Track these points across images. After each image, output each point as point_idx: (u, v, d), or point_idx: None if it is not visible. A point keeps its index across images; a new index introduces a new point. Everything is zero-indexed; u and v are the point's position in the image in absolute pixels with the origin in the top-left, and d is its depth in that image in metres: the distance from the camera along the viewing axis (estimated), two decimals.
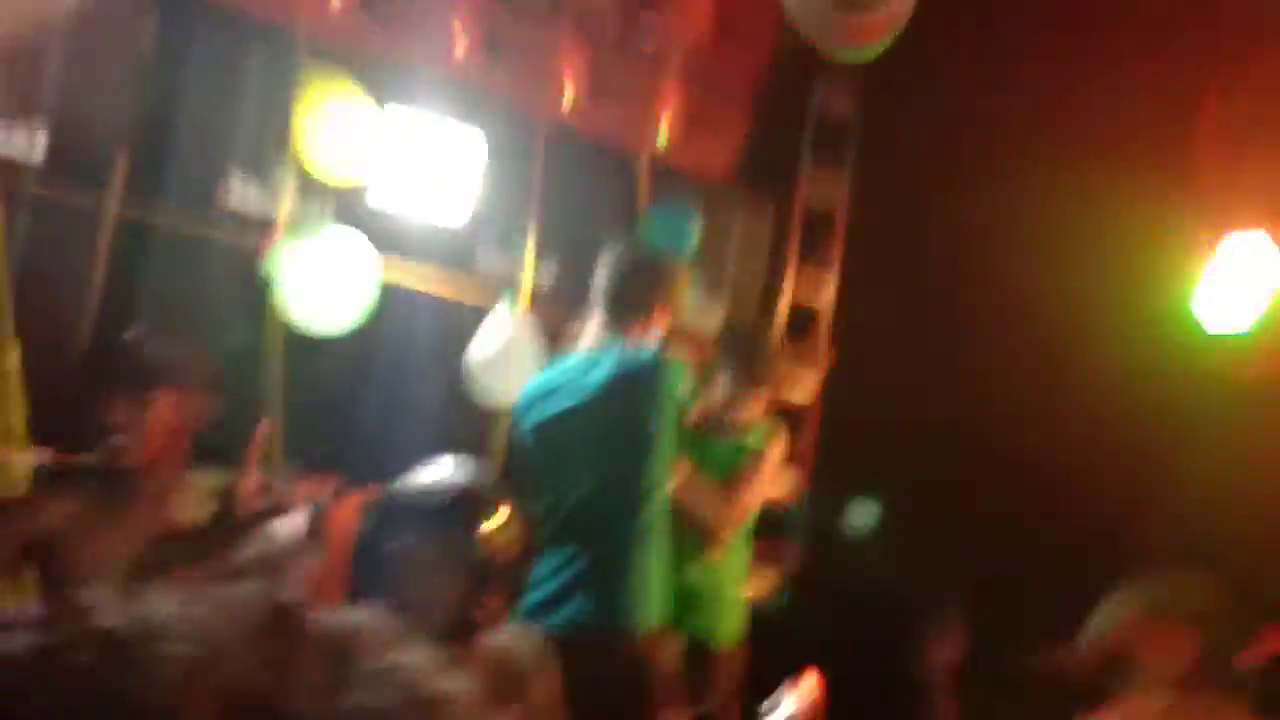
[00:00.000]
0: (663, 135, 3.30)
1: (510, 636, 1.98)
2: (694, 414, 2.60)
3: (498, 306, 2.89)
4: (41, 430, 2.54)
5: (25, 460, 2.52)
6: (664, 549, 2.29)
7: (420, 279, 2.96)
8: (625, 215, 3.19)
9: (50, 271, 2.61)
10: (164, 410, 2.18)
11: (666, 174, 3.29)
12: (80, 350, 2.62)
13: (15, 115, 2.54)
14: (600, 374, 2.29)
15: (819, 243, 3.65)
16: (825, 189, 3.68)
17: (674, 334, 2.49)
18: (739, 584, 2.71)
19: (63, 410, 2.61)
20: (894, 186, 3.47)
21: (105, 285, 2.67)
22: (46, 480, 2.60)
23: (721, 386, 2.69)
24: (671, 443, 2.26)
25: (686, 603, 2.56)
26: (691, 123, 3.35)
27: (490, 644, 1.92)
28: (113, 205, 2.66)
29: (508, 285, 3.02)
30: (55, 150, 2.58)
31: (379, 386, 2.96)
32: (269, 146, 2.78)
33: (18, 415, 2.53)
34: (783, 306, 3.62)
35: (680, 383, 2.28)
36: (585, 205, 3.21)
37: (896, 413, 3.24)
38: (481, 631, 1.94)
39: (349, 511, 2.87)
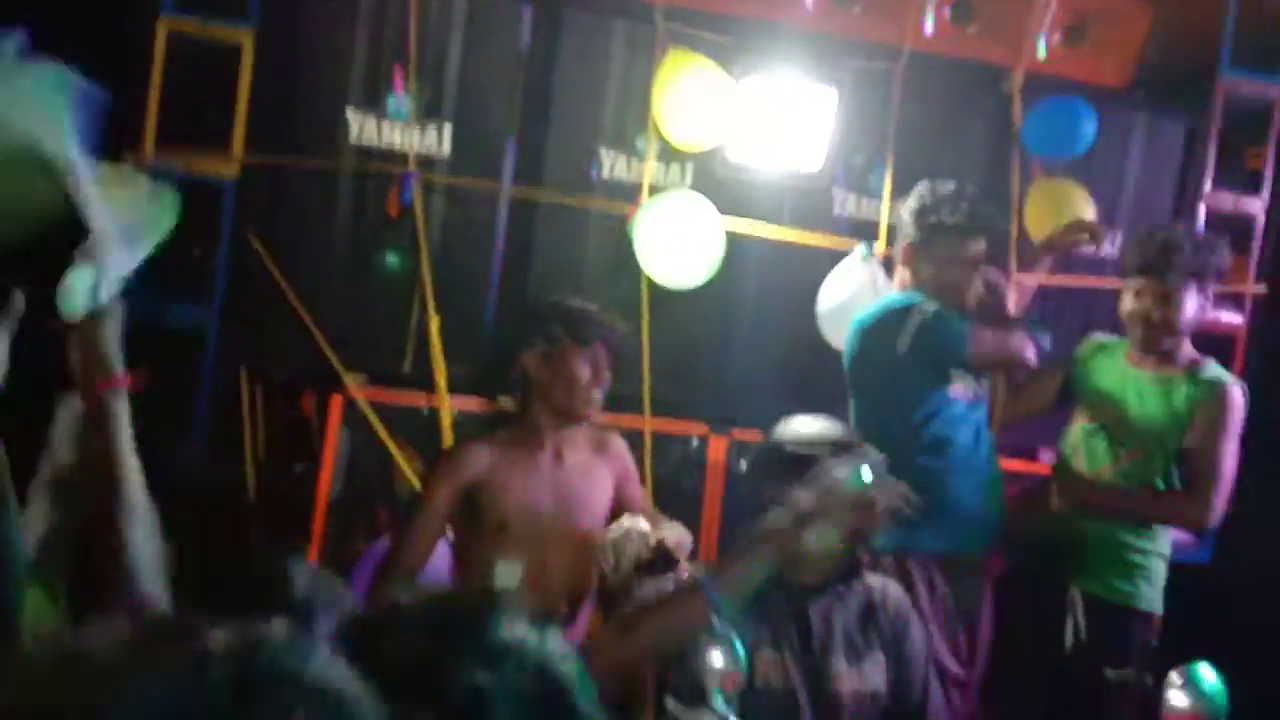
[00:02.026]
0: (1041, 43, 3.04)
1: (880, 579, 2.11)
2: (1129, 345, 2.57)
3: (853, 252, 3.00)
4: (460, 387, 2.92)
5: (450, 413, 2.90)
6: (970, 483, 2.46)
7: (776, 232, 3.10)
8: (995, 144, 3.09)
9: (460, 249, 2.97)
10: (572, 364, 2.26)
11: (1046, 89, 3.08)
12: (489, 314, 2.97)
13: (426, 118, 2.90)
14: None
15: (1242, 159, 3.21)
16: (1253, 93, 3.11)
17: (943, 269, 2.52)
18: (1150, 535, 2.52)
19: (478, 368, 2.98)
20: None
21: (505, 256, 3.01)
22: (471, 429, 2.98)
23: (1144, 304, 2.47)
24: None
25: (1085, 552, 2.52)
26: (1077, 23, 3.09)
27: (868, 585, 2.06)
28: (506, 187, 2.99)
29: (865, 228, 3.11)
30: (458, 144, 2.93)
31: (741, 334, 3.15)
32: (633, 121, 3.02)
33: (440, 375, 2.91)
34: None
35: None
36: (949, 137, 3.14)
37: None
38: (861, 571, 2.06)
39: (720, 453, 3.12)
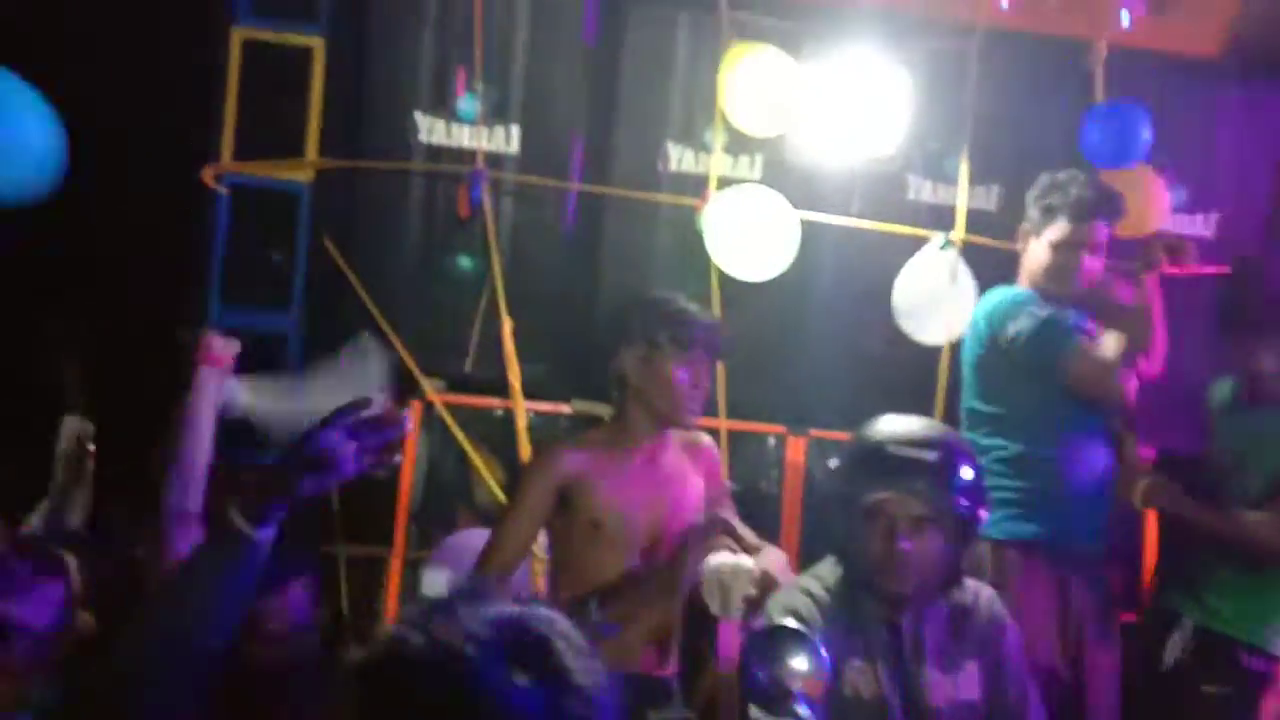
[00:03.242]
0: (1125, 13, 2.93)
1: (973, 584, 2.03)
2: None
3: (930, 241, 2.92)
4: (540, 389, 2.92)
5: (525, 415, 2.91)
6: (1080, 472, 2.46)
7: (849, 221, 3.04)
8: (1078, 124, 2.94)
9: (529, 249, 2.97)
10: (673, 368, 2.18)
11: (1132, 61, 2.97)
12: (557, 313, 2.97)
13: (494, 118, 2.90)
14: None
15: None
16: None
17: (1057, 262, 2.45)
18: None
19: (560, 369, 2.98)
20: None
21: (573, 254, 3.00)
22: (547, 430, 2.99)
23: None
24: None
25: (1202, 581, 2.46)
26: None
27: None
28: (574, 183, 2.97)
29: (941, 215, 3.02)
30: (526, 143, 2.93)
31: (815, 328, 3.09)
32: (700, 113, 2.97)
33: (514, 377, 2.92)
34: None
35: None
36: (1028, 119, 3.04)
37: None
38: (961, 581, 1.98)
39: (799, 453, 3.07)
